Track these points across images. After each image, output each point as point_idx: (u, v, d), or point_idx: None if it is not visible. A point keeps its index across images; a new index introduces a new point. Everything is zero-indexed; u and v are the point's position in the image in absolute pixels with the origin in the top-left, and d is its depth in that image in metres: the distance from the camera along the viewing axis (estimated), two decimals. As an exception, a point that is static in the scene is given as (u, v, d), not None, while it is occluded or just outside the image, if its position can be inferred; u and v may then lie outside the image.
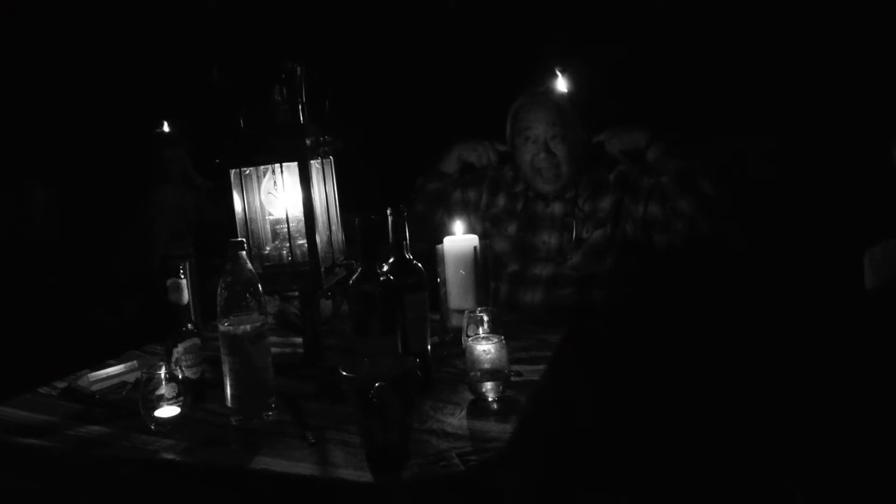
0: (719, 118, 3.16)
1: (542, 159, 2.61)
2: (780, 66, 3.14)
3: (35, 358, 2.80)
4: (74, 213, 3.86)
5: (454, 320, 2.07)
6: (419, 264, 1.75)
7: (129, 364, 1.93)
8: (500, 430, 1.49)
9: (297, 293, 2.16)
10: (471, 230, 2.60)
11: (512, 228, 2.69)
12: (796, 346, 2.44)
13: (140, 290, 3.52)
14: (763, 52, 3.18)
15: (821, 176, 2.90)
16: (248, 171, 1.84)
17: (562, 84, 2.73)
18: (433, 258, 2.09)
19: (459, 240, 2.07)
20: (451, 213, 2.71)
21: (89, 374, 1.87)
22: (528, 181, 2.70)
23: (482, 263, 2.06)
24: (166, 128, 4.18)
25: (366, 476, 1.30)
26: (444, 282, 2.09)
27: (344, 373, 1.36)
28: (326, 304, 2.24)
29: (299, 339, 2.04)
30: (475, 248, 2.04)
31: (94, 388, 1.81)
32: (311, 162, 1.81)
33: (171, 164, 4.07)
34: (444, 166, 2.90)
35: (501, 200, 2.76)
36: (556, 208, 2.66)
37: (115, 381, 1.85)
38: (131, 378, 1.85)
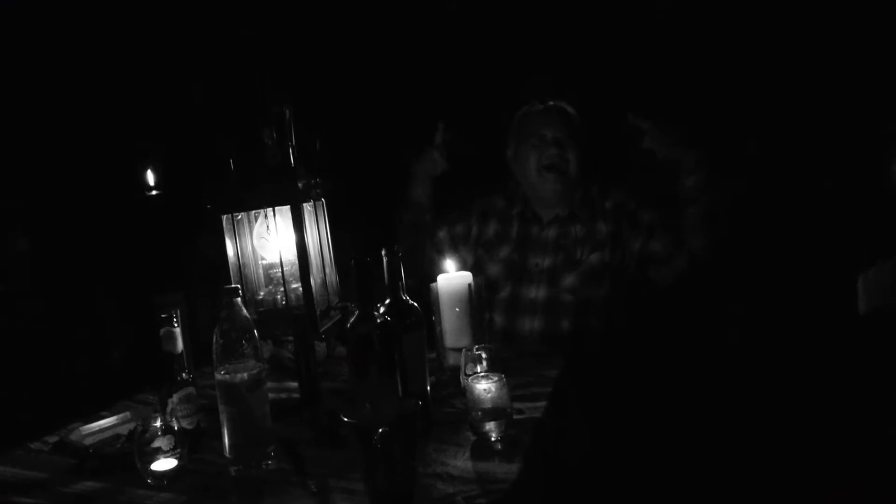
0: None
1: (553, 154, 2.55)
2: (774, 85, 3.16)
3: (21, 411, 2.75)
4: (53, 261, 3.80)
5: (451, 359, 2.05)
6: (415, 304, 1.73)
7: (121, 416, 1.89)
8: (505, 470, 1.47)
9: (290, 337, 2.14)
10: (462, 263, 2.59)
11: (504, 252, 2.65)
12: (792, 372, 2.44)
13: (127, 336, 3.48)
14: (759, 71, 3.20)
15: (814, 199, 2.92)
16: (239, 216, 1.82)
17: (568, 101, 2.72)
18: (424, 294, 2.07)
19: (453, 277, 2.06)
20: (440, 252, 2.69)
21: (81, 428, 1.82)
22: (531, 187, 2.64)
23: (477, 300, 2.05)
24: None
25: (372, 524, 1.28)
26: (439, 320, 2.07)
27: (345, 419, 1.34)
28: (321, 347, 2.21)
29: (294, 384, 2.01)
30: (469, 285, 2.03)
31: (87, 441, 1.77)
32: (304, 204, 1.80)
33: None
34: (413, 193, 2.78)
35: (492, 227, 2.72)
36: (551, 232, 2.61)
37: (108, 433, 1.81)
38: (124, 430, 1.81)
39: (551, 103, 2.67)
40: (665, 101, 3.05)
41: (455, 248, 2.72)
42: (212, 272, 1.80)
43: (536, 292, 2.54)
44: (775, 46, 3.11)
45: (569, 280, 2.52)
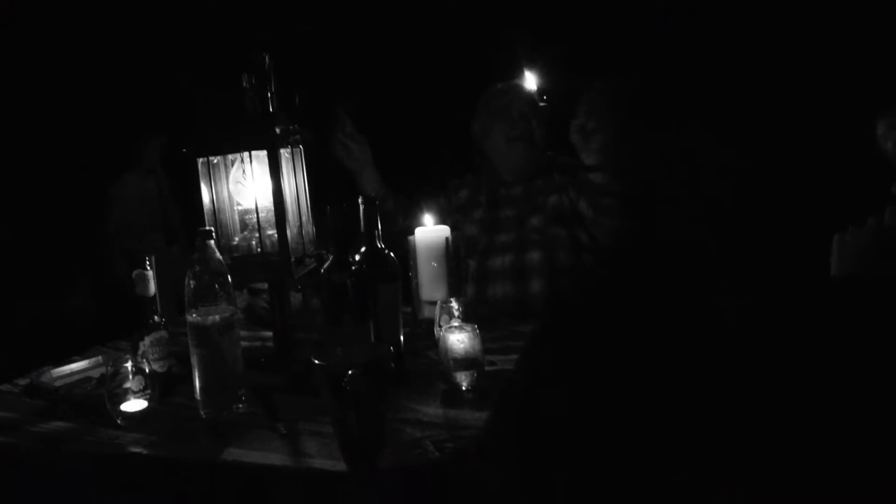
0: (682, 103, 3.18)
1: (521, 127, 2.64)
2: (759, 47, 3.16)
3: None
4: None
5: (426, 311, 2.05)
6: (391, 254, 1.73)
7: (93, 360, 1.89)
8: (475, 417, 1.48)
9: (265, 288, 2.14)
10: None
11: (479, 212, 2.73)
12: (766, 334, 2.46)
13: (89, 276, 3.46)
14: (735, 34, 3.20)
15: (791, 163, 2.93)
16: (215, 161, 1.80)
17: (529, 80, 2.76)
18: (401, 246, 2.07)
19: (430, 231, 2.05)
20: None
21: (52, 371, 1.82)
22: (500, 164, 2.73)
23: (454, 254, 2.05)
24: None
25: (340, 465, 1.28)
26: (415, 273, 2.07)
27: (316, 361, 1.33)
28: (296, 298, 2.20)
29: (268, 334, 2.01)
30: (447, 238, 2.03)
31: (58, 384, 1.76)
32: (281, 151, 1.78)
33: (147, 151, 3.99)
34: (359, 188, 2.79)
35: (464, 193, 2.82)
36: (517, 189, 2.71)
37: (79, 376, 1.81)
38: (96, 374, 1.81)
39: (514, 81, 2.72)
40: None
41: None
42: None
43: (507, 236, 2.60)
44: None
45: (533, 221, 2.60)
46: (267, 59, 1.81)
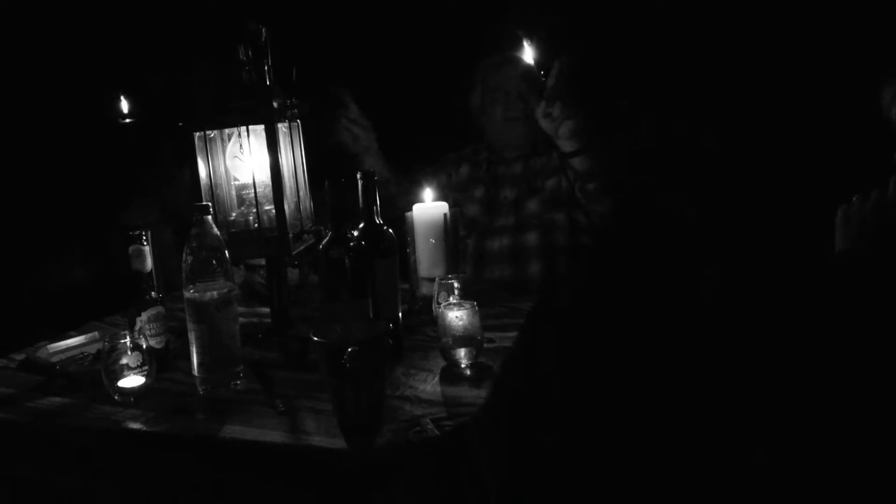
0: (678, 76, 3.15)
1: (519, 108, 2.64)
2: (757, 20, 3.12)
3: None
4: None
5: (424, 288, 2.04)
6: (390, 230, 1.72)
7: (89, 335, 1.88)
8: (474, 395, 1.47)
9: (262, 263, 2.12)
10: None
11: (479, 191, 2.73)
12: (764, 312, 2.45)
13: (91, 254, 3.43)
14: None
15: (792, 134, 2.91)
16: (212, 135, 1.78)
17: (528, 53, 2.73)
18: (400, 222, 2.05)
19: (429, 207, 2.04)
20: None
21: (48, 346, 1.81)
22: (498, 135, 2.73)
23: (452, 231, 2.04)
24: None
25: (339, 442, 1.28)
26: (413, 250, 2.06)
27: (315, 338, 1.32)
28: (293, 274, 2.19)
29: (266, 310, 2.00)
30: (445, 215, 2.01)
31: (54, 359, 1.75)
32: (279, 125, 1.76)
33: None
34: None
35: (465, 170, 2.81)
36: (516, 167, 2.72)
37: (76, 352, 1.80)
38: (92, 349, 1.80)
39: (512, 54, 2.69)
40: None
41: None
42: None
43: (506, 219, 2.61)
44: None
45: (531, 206, 2.60)
46: (263, 31, 1.79)
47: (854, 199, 1.78)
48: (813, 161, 2.81)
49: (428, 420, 1.34)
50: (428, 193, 2.08)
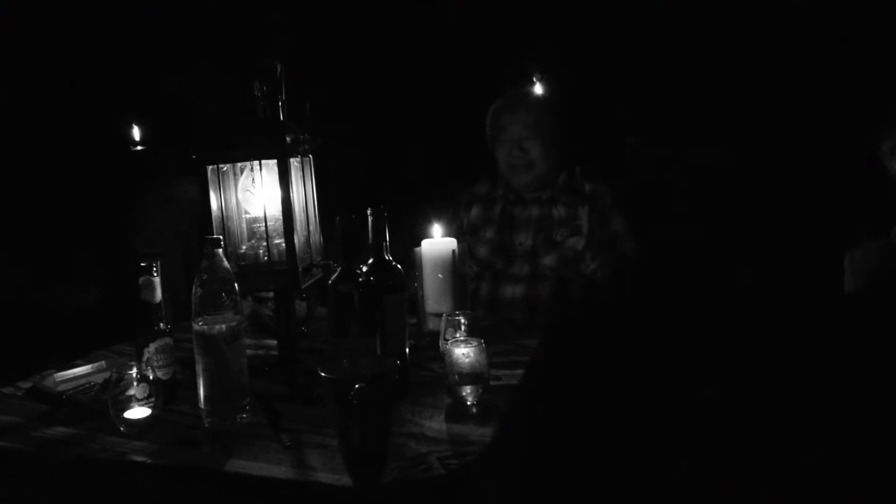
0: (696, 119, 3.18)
1: (517, 157, 2.65)
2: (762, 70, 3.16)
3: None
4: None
5: (430, 324, 2.04)
6: (399, 266, 1.73)
7: (96, 364, 1.88)
8: (480, 434, 1.47)
9: (270, 294, 2.13)
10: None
11: (490, 233, 2.71)
12: (778, 348, 2.45)
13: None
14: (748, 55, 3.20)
15: (802, 180, 2.93)
16: (224, 168, 1.79)
17: (539, 89, 2.76)
18: (408, 258, 2.06)
19: (437, 243, 2.05)
20: None
21: (55, 374, 1.81)
22: (506, 178, 2.74)
23: (460, 267, 2.04)
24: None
25: (344, 479, 1.27)
26: (420, 285, 2.06)
27: (322, 373, 1.33)
28: (301, 307, 2.20)
29: (273, 342, 2.01)
30: (453, 251, 2.02)
31: (61, 388, 1.76)
32: (291, 160, 1.78)
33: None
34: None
35: (475, 211, 2.80)
36: (534, 211, 2.69)
37: (83, 381, 1.80)
38: (99, 378, 1.80)
39: (519, 90, 2.74)
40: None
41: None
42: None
43: (521, 268, 2.62)
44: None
45: (547, 260, 2.59)
46: (279, 66, 1.81)
47: (860, 245, 1.81)
48: (818, 209, 2.83)
49: (434, 458, 1.34)
50: (436, 229, 2.09)
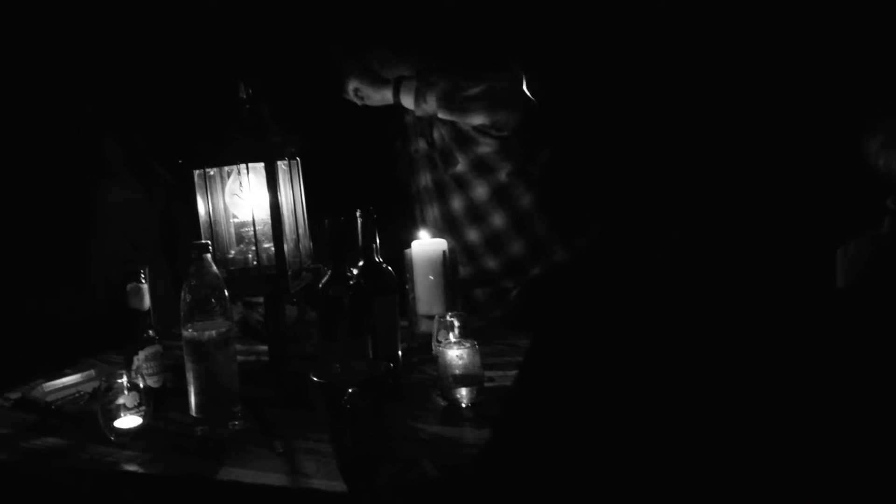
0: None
1: None
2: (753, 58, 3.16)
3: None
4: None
5: (423, 326, 2.03)
6: (389, 268, 1.71)
7: (85, 373, 1.86)
8: (475, 436, 1.46)
9: (260, 300, 2.11)
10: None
11: None
12: (773, 345, 2.45)
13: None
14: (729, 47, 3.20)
15: (792, 176, 2.94)
16: (212, 172, 1.78)
17: None
18: (399, 259, 2.05)
19: (428, 244, 2.04)
20: None
21: (43, 384, 1.79)
22: None
23: (451, 268, 2.03)
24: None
25: (339, 485, 1.26)
26: (412, 287, 2.05)
27: (314, 378, 1.31)
28: (291, 311, 2.18)
29: (263, 347, 1.99)
30: (444, 252, 2.01)
31: (50, 398, 1.73)
32: (278, 163, 1.76)
33: (113, 155, 3.86)
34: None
35: None
36: None
37: (72, 391, 1.78)
38: (88, 388, 1.78)
39: None
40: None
41: None
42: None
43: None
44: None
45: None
46: (261, 70, 1.80)
47: (851, 240, 1.82)
48: (807, 205, 2.84)
49: (429, 462, 1.33)
50: (424, 232, 2.08)
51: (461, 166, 2.45)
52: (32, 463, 1.45)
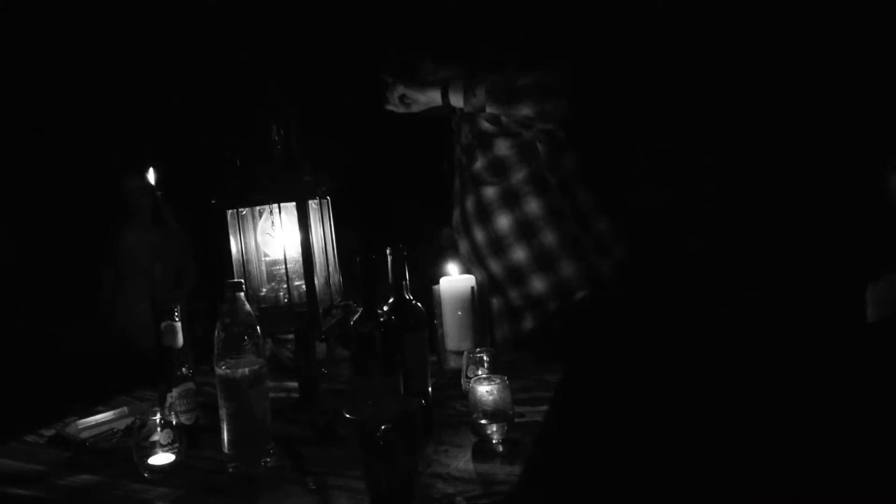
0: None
1: None
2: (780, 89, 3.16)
3: (17, 404, 2.72)
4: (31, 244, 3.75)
5: (451, 361, 2.04)
6: (419, 304, 1.72)
7: (118, 410, 1.88)
8: (507, 472, 1.45)
9: (290, 336, 2.13)
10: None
11: None
12: (805, 378, 2.43)
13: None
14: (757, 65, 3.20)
15: (824, 212, 2.93)
16: (244, 212, 1.81)
17: None
18: (428, 295, 2.06)
19: (456, 280, 2.05)
20: None
21: (78, 421, 1.81)
22: None
23: (479, 303, 2.04)
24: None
25: (372, 522, 1.26)
26: (440, 323, 2.06)
27: (347, 415, 1.32)
28: (321, 347, 2.20)
29: (293, 384, 2.00)
30: (472, 288, 2.02)
31: (83, 435, 1.75)
32: (309, 202, 1.79)
33: (133, 200, 3.94)
34: None
35: None
36: None
37: (105, 428, 1.80)
38: (121, 425, 1.80)
39: None
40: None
41: None
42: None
43: None
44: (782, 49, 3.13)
45: None
46: (293, 110, 1.83)
47: (882, 277, 1.82)
48: (841, 243, 2.82)
49: (462, 498, 1.33)
50: (453, 267, 2.09)
51: (515, 179, 2.42)
52: (67, 500, 1.46)
